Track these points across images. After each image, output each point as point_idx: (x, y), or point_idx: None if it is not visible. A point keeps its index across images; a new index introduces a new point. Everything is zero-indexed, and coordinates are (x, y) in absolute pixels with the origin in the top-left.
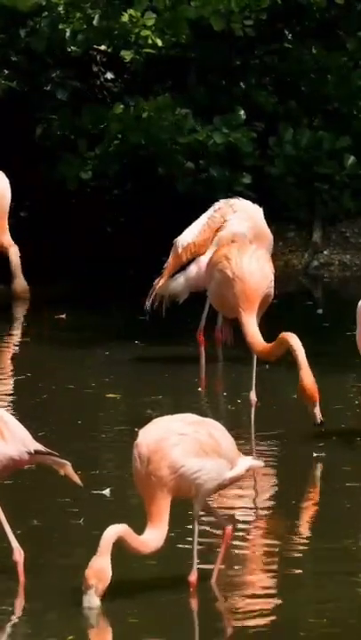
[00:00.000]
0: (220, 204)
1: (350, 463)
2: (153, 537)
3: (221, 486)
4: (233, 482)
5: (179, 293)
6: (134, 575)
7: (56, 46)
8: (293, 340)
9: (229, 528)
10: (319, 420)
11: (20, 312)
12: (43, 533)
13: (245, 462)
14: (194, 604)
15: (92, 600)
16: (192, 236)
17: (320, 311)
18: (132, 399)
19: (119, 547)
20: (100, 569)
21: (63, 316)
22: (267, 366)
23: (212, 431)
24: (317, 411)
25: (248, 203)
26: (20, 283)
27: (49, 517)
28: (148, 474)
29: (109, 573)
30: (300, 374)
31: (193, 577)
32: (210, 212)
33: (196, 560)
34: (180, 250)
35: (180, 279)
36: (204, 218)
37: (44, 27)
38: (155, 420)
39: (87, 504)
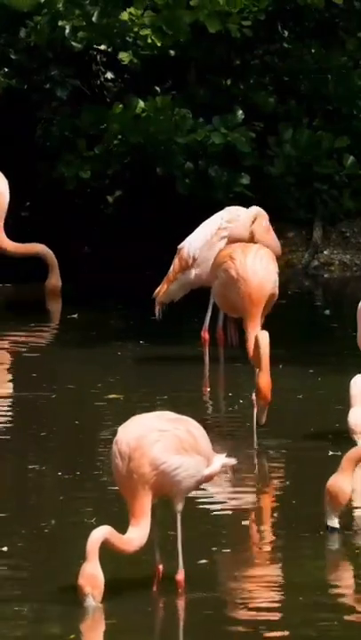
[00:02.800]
0: (228, 213)
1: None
2: (136, 535)
3: (199, 483)
4: (208, 479)
5: (177, 295)
6: (128, 575)
7: (57, 42)
8: (262, 337)
9: None
10: (262, 422)
11: (24, 312)
12: (55, 533)
13: (220, 460)
14: (189, 603)
15: (92, 607)
16: (200, 249)
17: (328, 312)
18: (137, 399)
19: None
20: (92, 575)
21: (75, 315)
22: (280, 366)
23: (191, 428)
24: (265, 413)
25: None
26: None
27: (62, 517)
28: (129, 471)
29: (102, 577)
30: (259, 374)
31: (180, 576)
32: (217, 220)
33: (181, 559)
34: (190, 261)
35: (178, 283)
36: (212, 227)
37: (45, 23)
38: (133, 418)
39: (98, 503)
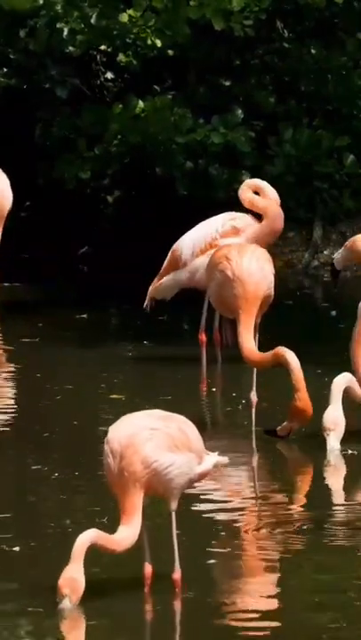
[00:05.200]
0: (225, 220)
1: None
2: (126, 535)
3: (192, 481)
4: (201, 477)
5: (168, 293)
6: (121, 574)
7: (55, 47)
8: (290, 356)
9: None
10: (285, 434)
11: (25, 312)
12: (57, 533)
13: (212, 458)
14: (186, 602)
15: (67, 610)
16: (194, 252)
17: (334, 313)
18: (138, 400)
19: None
20: (73, 578)
21: (85, 315)
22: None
23: (182, 426)
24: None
25: (249, 217)
26: None
27: (64, 517)
28: (121, 470)
29: (82, 582)
30: (297, 395)
31: (177, 575)
32: (212, 231)
33: (177, 557)
34: (180, 263)
35: (170, 280)
36: (206, 235)
37: (43, 25)
38: (123, 417)
39: (101, 503)
